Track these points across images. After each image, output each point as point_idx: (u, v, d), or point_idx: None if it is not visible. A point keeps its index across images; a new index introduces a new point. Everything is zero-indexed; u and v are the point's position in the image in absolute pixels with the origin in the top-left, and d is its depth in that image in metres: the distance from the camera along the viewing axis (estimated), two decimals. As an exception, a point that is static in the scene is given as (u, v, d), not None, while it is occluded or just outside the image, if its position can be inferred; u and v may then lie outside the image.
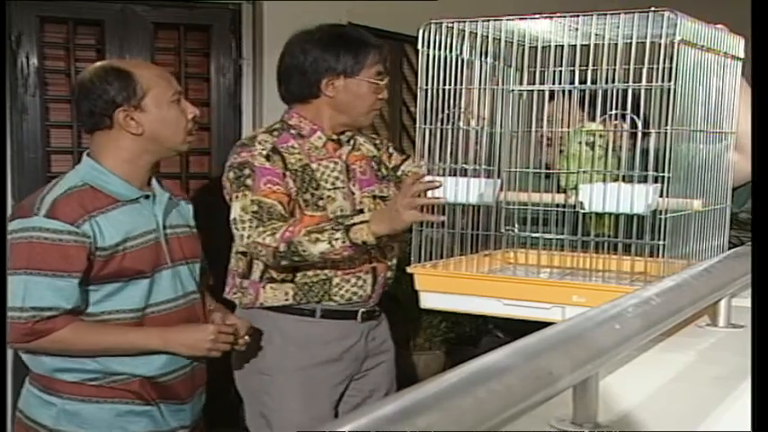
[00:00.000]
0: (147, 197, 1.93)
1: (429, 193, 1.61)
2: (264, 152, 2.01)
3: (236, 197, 1.97)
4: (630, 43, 1.37)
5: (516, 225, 1.63)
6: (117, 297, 1.86)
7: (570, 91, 1.50)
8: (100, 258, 1.81)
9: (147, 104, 1.88)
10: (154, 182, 1.99)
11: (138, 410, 1.90)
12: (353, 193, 2.10)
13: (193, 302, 2.01)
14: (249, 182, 1.97)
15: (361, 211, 2.07)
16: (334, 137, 2.12)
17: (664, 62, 1.33)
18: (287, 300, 2.07)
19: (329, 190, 2.05)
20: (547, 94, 1.57)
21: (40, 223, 1.77)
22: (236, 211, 1.97)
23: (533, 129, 1.60)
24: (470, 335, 4.16)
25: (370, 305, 2.15)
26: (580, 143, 1.51)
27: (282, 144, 2.05)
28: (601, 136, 1.50)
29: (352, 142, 2.16)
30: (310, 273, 2.05)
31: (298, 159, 2.04)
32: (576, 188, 1.49)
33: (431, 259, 1.59)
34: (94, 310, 1.85)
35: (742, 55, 1.57)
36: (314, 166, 2.06)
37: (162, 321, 1.91)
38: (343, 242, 1.85)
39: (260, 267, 2.08)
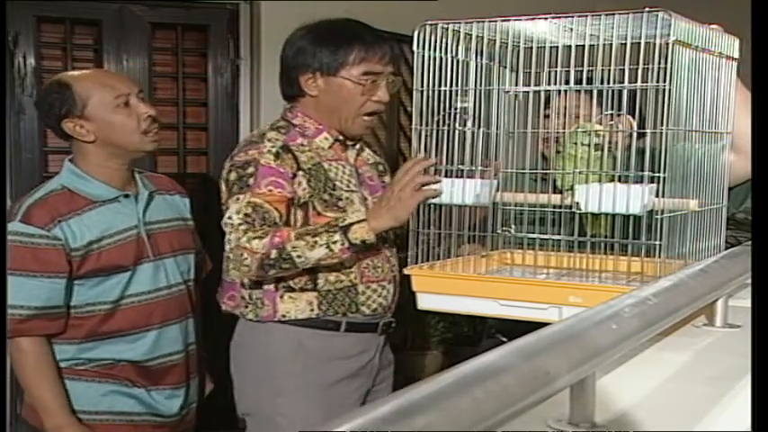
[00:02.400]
0: (126, 196, 1.99)
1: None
2: (274, 149, 1.84)
3: (237, 199, 1.79)
4: (625, 44, 1.37)
5: (513, 226, 1.63)
6: (96, 289, 1.93)
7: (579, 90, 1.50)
8: (75, 258, 1.89)
9: (89, 113, 1.94)
10: (137, 179, 2.04)
11: (124, 391, 1.97)
12: (366, 198, 1.96)
13: (180, 293, 2.05)
14: (251, 181, 1.79)
15: None
16: (341, 137, 1.96)
17: (658, 62, 1.33)
18: (312, 311, 1.89)
19: (346, 191, 1.90)
20: (543, 94, 1.57)
21: (16, 227, 1.88)
22: (229, 213, 1.79)
23: (529, 129, 1.60)
24: (468, 335, 4.17)
25: (388, 317, 2.02)
26: (576, 143, 1.51)
27: (292, 142, 1.89)
28: (597, 135, 1.50)
29: (357, 146, 2.02)
30: (332, 278, 1.88)
31: (309, 158, 1.88)
32: (572, 189, 1.49)
33: (428, 260, 1.59)
34: (73, 303, 1.93)
35: (737, 55, 1.58)
36: (326, 165, 1.90)
37: (139, 311, 1.97)
38: (342, 244, 1.72)
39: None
